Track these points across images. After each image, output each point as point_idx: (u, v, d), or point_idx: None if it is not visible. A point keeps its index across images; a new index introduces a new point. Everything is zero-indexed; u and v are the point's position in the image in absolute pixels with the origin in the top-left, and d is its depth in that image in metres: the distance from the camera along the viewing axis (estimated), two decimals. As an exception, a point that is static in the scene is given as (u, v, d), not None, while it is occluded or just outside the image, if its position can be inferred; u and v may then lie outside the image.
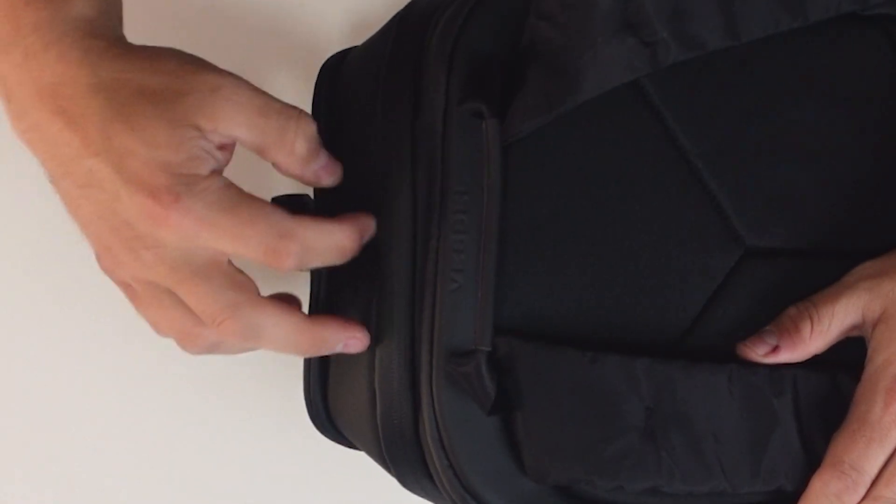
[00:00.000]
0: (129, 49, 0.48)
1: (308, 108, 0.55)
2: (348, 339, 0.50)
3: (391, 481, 0.51)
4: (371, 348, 0.50)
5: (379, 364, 0.49)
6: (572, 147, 0.48)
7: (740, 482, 0.47)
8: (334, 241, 0.48)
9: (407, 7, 0.51)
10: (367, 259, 0.50)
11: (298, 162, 0.48)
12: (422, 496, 0.51)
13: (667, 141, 0.48)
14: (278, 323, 0.48)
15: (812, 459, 0.48)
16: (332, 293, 0.54)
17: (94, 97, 0.46)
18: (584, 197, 0.48)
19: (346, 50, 0.56)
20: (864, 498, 0.47)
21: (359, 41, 0.56)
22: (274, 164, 0.49)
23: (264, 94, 0.48)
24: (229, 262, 0.48)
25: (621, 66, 0.46)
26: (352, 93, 0.54)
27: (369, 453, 0.52)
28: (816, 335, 0.48)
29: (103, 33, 0.47)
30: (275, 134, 0.47)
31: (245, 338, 0.48)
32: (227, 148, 0.48)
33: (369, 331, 0.50)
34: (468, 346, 0.47)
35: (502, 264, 0.47)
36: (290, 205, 0.50)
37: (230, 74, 0.48)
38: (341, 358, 0.53)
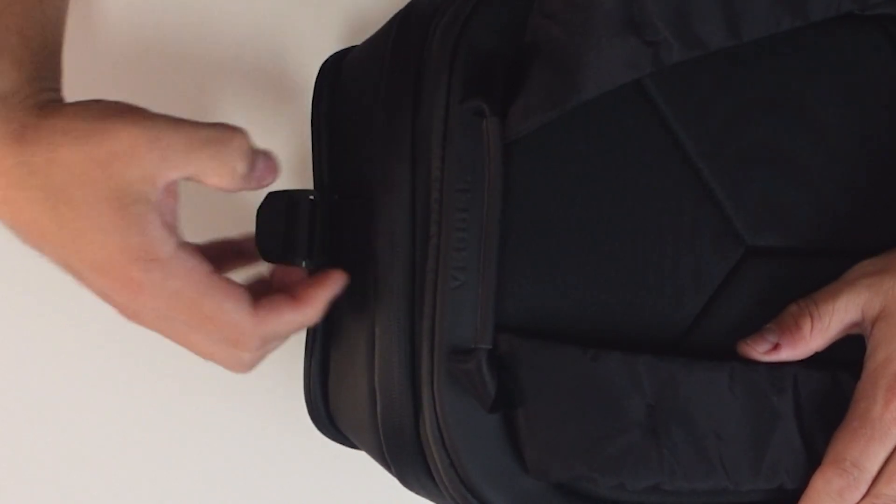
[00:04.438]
0: (45, 122, 0.46)
1: (308, 109, 0.55)
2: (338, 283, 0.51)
3: (392, 480, 0.51)
4: (371, 346, 0.50)
5: (379, 362, 0.49)
6: (574, 146, 0.48)
7: (742, 480, 0.47)
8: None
9: (408, 5, 0.51)
10: (367, 257, 0.50)
11: (240, 180, 0.47)
12: (423, 495, 0.51)
13: (668, 140, 0.49)
14: (283, 322, 0.49)
15: (813, 457, 0.48)
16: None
17: (29, 188, 0.45)
18: (585, 195, 0.48)
19: (346, 49, 0.56)
20: (865, 495, 0.47)
21: (359, 40, 0.56)
22: (214, 187, 0.48)
23: (184, 127, 0.46)
24: (215, 277, 0.48)
25: (624, 66, 0.46)
26: (352, 91, 0.54)
27: (370, 452, 0.52)
28: (817, 332, 0.48)
29: (20, 110, 0.46)
30: (209, 164, 0.46)
31: (264, 347, 0.49)
32: (170, 198, 0.47)
33: (370, 329, 0.50)
34: (469, 344, 0.46)
35: (504, 262, 0.47)
36: (289, 203, 0.51)
37: (143, 120, 0.46)
38: (342, 356, 0.53)
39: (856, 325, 0.48)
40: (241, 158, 0.47)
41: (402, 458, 0.49)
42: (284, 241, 0.52)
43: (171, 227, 0.47)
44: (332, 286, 0.51)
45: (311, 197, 0.51)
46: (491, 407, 0.46)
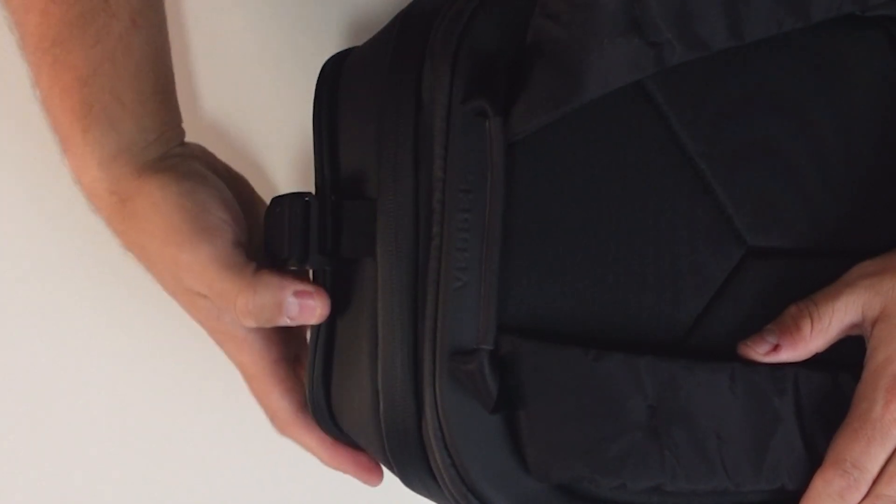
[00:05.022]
0: (138, 198, 0.51)
1: (310, 109, 0.55)
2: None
3: (394, 480, 0.51)
4: (374, 346, 0.50)
5: (382, 363, 0.49)
6: (576, 146, 0.48)
7: (743, 480, 0.47)
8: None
9: (410, 6, 0.51)
10: (370, 257, 0.50)
11: (253, 323, 0.53)
12: (424, 495, 0.51)
13: (670, 141, 0.49)
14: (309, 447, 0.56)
15: (814, 458, 0.48)
16: (335, 290, 0.54)
17: (132, 247, 0.53)
18: (587, 196, 0.48)
19: (347, 50, 0.56)
20: (865, 496, 0.47)
21: (360, 42, 0.56)
22: None
23: (216, 268, 0.52)
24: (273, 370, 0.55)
25: (626, 66, 0.46)
26: (354, 92, 0.53)
27: (372, 452, 0.52)
28: (817, 333, 0.48)
29: (120, 178, 0.51)
30: (221, 305, 0.53)
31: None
32: None
33: (372, 330, 0.50)
34: (471, 345, 0.46)
35: (506, 263, 0.47)
36: (293, 204, 0.51)
37: (196, 243, 0.51)
38: (344, 356, 0.53)
39: (856, 325, 0.49)
40: (242, 315, 0.52)
41: (405, 459, 0.49)
42: (288, 245, 0.52)
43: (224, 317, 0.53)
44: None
45: (307, 199, 0.51)
46: (493, 408, 0.46)
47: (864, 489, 0.47)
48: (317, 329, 0.54)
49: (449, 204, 0.47)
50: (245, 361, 0.55)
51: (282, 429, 0.56)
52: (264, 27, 0.60)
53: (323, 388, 0.54)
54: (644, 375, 0.47)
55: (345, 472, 0.56)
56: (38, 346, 0.60)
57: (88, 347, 0.63)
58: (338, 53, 0.56)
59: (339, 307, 0.53)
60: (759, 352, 0.48)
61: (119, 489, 0.62)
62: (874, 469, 0.47)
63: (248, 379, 0.56)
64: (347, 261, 0.53)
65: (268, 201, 0.53)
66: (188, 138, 0.54)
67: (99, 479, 0.62)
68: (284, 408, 0.55)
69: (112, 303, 0.62)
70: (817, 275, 0.49)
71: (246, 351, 0.54)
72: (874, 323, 0.48)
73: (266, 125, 0.60)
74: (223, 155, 0.58)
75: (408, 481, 0.50)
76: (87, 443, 0.62)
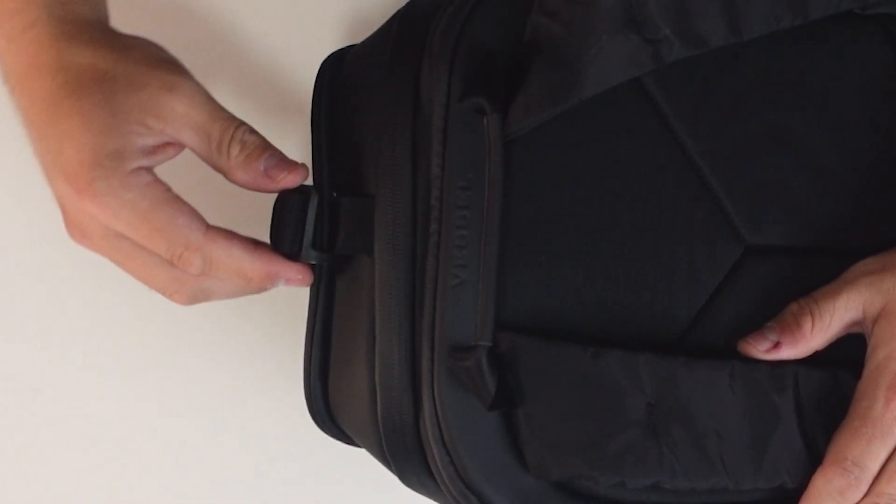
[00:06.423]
0: (101, 35, 0.50)
1: (308, 106, 0.55)
2: (292, 275, 0.52)
3: (392, 478, 0.51)
4: (371, 343, 0.50)
5: (379, 360, 0.49)
6: (574, 143, 0.48)
7: (742, 478, 0.47)
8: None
9: (409, 3, 0.52)
10: (368, 254, 0.50)
11: (236, 168, 0.50)
12: (422, 493, 0.51)
13: (668, 139, 0.49)
14: (230, 253, 0.50)
15: (814, 456, 0.48)
16: (332, 287, 0.54)
17: (54, 79, 0.48)
18: (586, 193, 0.48)
19: (346, 47, 0.56)
20: (866, 494, 0.47)
21: (359, 39, 0.56)
22: (222, 173, 0.51)
23: (215, 101, 0.50)
24: (172, 195, 0.50)
25: (624, 63, 0.46)
26: (352, 89, 0.54)
27: (370, 450, 0.52)
28: (817, 331, 0.48)
29: (77, 16, 0.49)
30: (217, 138, 0.49)
31: (202, 270, 0.50)
32: (168, 150, 0.50)
33: (370, 326, 0.50)
34: (469, 342, 0.46)
35: (504, 260, 0.47)
36: (291, 197, 0.52)
37: (189, 77, 0.50)
38: (342, 353, 0.53)
39: (857, 323, 0.48)
40: (239, 146, 0.50)
41: (403, 456, 0.49)
42: (292, 237, 0.52)
43: (147, 154, 0.49)
44: (281, 265, 0.52)
45: (306, 192, 0.51)
46: (491, 405, 0.46)
47: (864, 487, 0.47)
48: (312, 326, 0.54)
49: (447, 201, 0.47)
50: (133, 196, 0.48)
51: (195, 254, 0.50)
52: (263, 24, 0.60)
53: (320, 384, 0.54)
54: (643, 373, 0.47)
55: (279, 278, 0.52)
56: (38, 345, 0.60)
57: (88, 343, 0.63)
58: (337, 51, 0.56)
59: (335, 304, 0.53)
60: (760, 349, 0.48)
61: (116, 486, 0.62)
62: (875, 467, 0.47)
63: (142, 215, 0.48)
64: (344, 257, 0.53)
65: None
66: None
67: (98, 478, 0.62)
68: (191, 226, 0.49)
69: (112, 302, 0.62)
70: (817, 273, 0.49)
71: (134, 183, 0.48)
72: (875, 321, 0.48)
73: (264, 121, 0.60)
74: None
75: (405, 479, 0.50)
76: (85, 439, 0.63)
